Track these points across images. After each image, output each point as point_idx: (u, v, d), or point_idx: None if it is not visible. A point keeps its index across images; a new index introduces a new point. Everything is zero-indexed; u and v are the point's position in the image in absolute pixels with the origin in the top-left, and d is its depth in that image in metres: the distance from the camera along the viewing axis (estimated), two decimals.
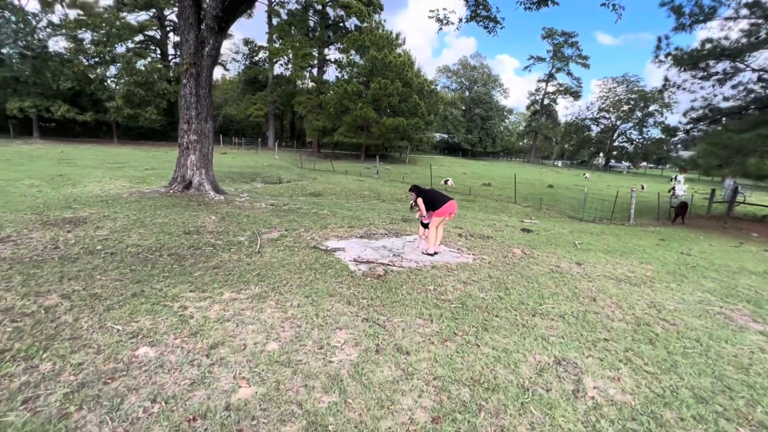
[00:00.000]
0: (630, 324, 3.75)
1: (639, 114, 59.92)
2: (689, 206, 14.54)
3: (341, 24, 41.65)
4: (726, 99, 15.34)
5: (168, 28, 42.94)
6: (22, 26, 31.15)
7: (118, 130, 38.65)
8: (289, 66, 43.08)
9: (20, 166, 15.78)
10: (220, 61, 47.29)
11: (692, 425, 2.29)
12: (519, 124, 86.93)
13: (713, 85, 15.49)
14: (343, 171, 25.34)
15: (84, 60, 34.28)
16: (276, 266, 4.82)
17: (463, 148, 66.05)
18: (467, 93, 70.87)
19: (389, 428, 2.06)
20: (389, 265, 5.17)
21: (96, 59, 35.12)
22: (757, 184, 21.82)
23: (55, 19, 33.51)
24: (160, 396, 2.17)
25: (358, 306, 3.69)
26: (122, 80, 35.32)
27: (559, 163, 73.34)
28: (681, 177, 26.03)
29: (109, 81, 37.28)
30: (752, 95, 14.85)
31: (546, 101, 74.46)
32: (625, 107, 61.10)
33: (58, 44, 35.17)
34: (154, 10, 39.23)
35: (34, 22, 32.22)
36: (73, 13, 33.38)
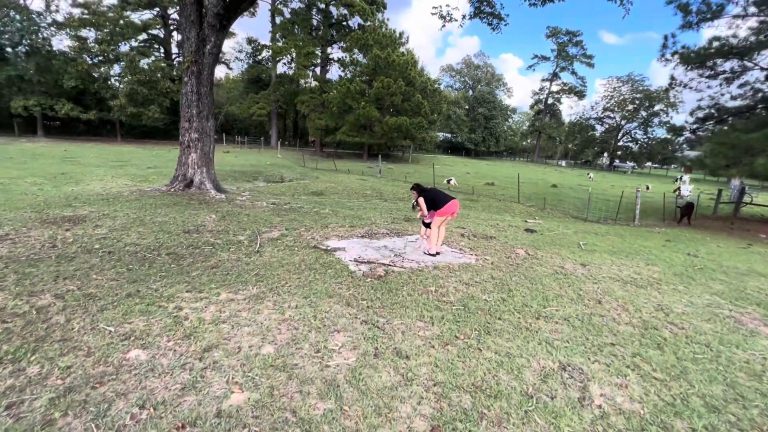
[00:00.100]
0: (637, 328, 3.64)
1: (644, 114, 59.44)
2: (695, 207, 14.36)
3: (344, 23, 41.56)
4: (733, 98, 15.12)
5: (171, 27, 43.01)
6: (27, 25, 31.26)
7: (121, 129, 38.78)
8: (292, 65, 43.03)
9: (23, 164, 15.80)
10: (223, 59, 47.49)
11: None
12: (522, 124, 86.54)
13: (720, 84, 15.27)
14: (345, 170, 25.25)
15: (88, 58, 34.38)
16: (275, 266, 4.74)
17: (467, 148, 65.80)
18: (471, 92, 70.56)
19: None
20: (390, 265, 5.08)
21: (100, 58, 35.24)
22: (763, 184, 21.57)
23: (60, 17, 33.65)
24: (149, 402, 2.09)
25: (358, 308, 3.60)
26: (126, 79, 35.40)
27: (563, 163, 72.92)
28: (686, 177, 25.75)
29: (112, 79, 37.39)
30: (760, 94, 14.62)
31: (550, 100, 74.06)
32: (630, 107, 60.61)
33: (62, 43, 35.39)
34: (157, 9, 39.29)
35: (38, 21, 32.34)
36: (77, 12, 33.50)
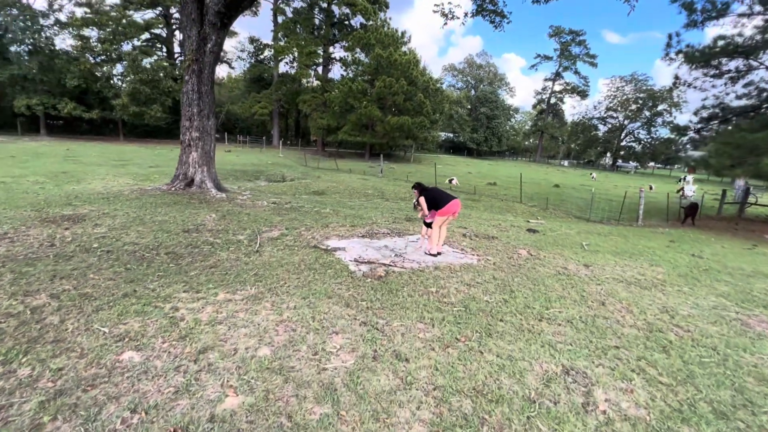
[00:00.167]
0: (642, 330, 3.57)
1: (647, 113, 59.16)
2: (699, 207, 14.24)
3: (347, 22, 41.52)
4: (738, 97, 14.98)
5: (174, 26, 43.04)
6: (30, 24, 31.36)
7: (124, 128, 38.88)
8: (294, 64, 43.01)
9: (26, 162, 15.81)
10: (225, 59, 47.50)
11: None
12: (525, 124, 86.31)
13: (725, 84, 15.14)
14: (347, 169, 25.21)
15: (90, 58, 34.49)
16: (274, 266, 4.69)
17: (469, 147, 65.66)
18: (473, 92, 70.41)
19: None
20: (391, 265, 5.02)
21: (102, 57, 35.34)
22: None
23: (63, 17, 33.75)
24: (141, 405, 2.04)
25: (357, 309, 3.54)
26: (128, 78, 35.48)
27: (566, 163, 72.68)
28: (690, 177, 25.61)
29: (115, 79, 37.48)
30: (765, 94, 14.47)
31: (553, 100, 73.85)
32: (634, 106, 60.35)
33: (65, 42, 35.50)
34: (160, 8, 39.31)
35: (41, 20, 32.43)
36: (80, 11, 33.61)
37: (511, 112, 73.22)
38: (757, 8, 13.23)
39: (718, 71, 14.86)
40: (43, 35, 32.91)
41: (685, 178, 25.76)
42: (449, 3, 10.46)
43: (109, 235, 5.65)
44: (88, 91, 35.33)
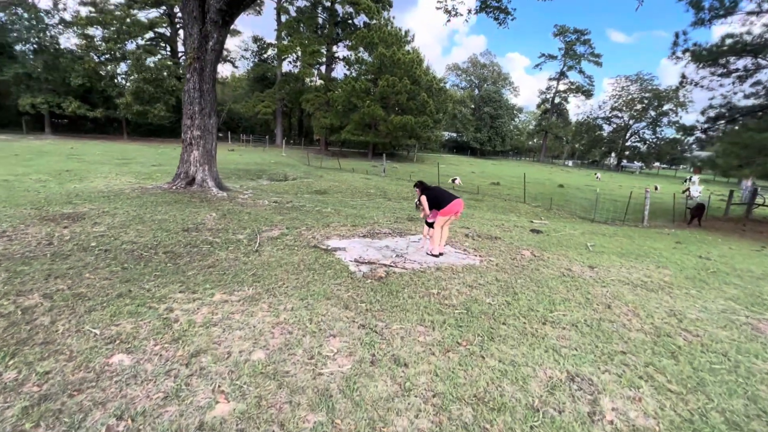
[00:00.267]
0: (649, 335, 3.46)
1: (653, 113, 58.67)
2: (706, 208, 14.05)
3: (350, 21, 41.44)
4: (746, 97, 14.75)
5: (178, 25, 43.06)
6: (35, 23, 31.50)
7: (128, 127, 39.01)
8: (298, 63, 42.99)
9: (29, 161, 15.85)
10: (228, 58, 47.52)
11: None
12: (529, 123, 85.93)
13: (733, 83, 14.91)
14: (350, 169, 25.14)
15: (95, 57, 34.61)
16: (273, 266, 4.62)
17: (472, 147, 65.43)
18: (477, 91, 70.18)
19: None
20: (391, 266, 4.93)
21: (107, 56, 35.45)
22: None
23: (67, 16, 33.89)
24: (128, 412, 1.96)
25: (356, 311, 3.46)
26: (132, 77, 35.58)
27: (570, 163, 72.27)
28: (696, 178, 25.35)
29: (119, 78, 37.59)
30: None
31: (557, 100, 73.42)
32: (639, 106, 59.86)
33: (69, 41, 35.60)
34: (164, 8, 39.35)
35: (46, 19, 32.57)
36: (84, 10, 33.73)
37: (515, 112, 72.95)
38: (766, 6, 13.02)
39: (725, 70, 14.64)
40: (48, 34, 33.05)
41: (690, 179, 25.50)
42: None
43: (108, 233, 5.60)
44: (93, 89, 35.46)
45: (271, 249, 5.35)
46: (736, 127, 14.22)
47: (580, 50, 67.75)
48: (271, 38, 52.13)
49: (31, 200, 7.65)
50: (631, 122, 62.40)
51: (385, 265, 4.95)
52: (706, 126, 16.32)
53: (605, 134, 65.92)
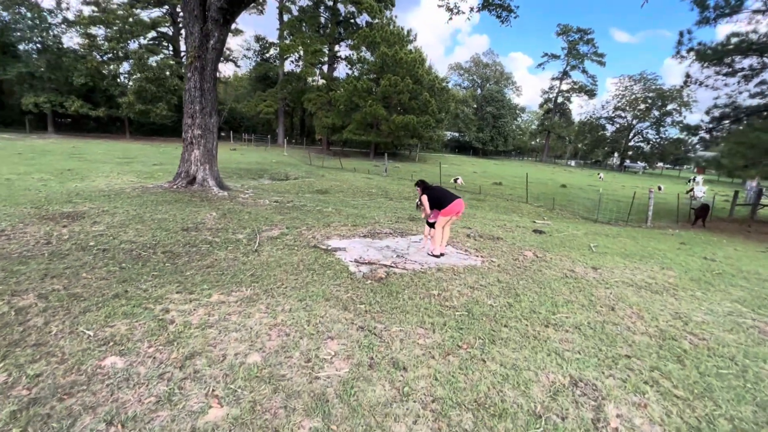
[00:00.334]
0: (654, 338, 3.39)
1: (656, 113, 58.34)
2: (711, 208, 13.92)
3: (352, 20, 41.38)
4: (752, 96, 14.60)
5: (180, 25, 43.10)
6: (38, 22, 31.60)
7: (130, 126, 39.08)
8: (300, 62, 42.98)
9: (31, 160, 15.87)
10: (231, 57, 47.53)
11: None
12: (531, 123, 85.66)
13: (738, 82, 14.77)
14: (351, 168, 25.10)
15: (97, 56, 34.70)
16: (272, 266, 4.57)
17: (474, 147, 65.27)
18: (479, 91, 69.99)
19: None
20: (392, 266, 4.87)
21: (109, 55, 35.54)
22: None
23: (70, 15, 33.98)
24: (118, 417, 1.91)
25: (355, 312, 3.40)
26: (134, 76, 35.64)
27: (573, 163, 72.00)
28: (699, 178, 25.19)
29: (121, 77, 37.67)
30: None
31: (560, 99, 73.17)
32: (642, 106, 59.54)
33: (72, 40, 35.70)
34: (167, 7, 39.43)
35: (49, 18, 32.67)
36: (87, 10, 33.81)
37: (517, 112, 72.69)
38: None
39: (731, 69, 14.50)
40: (51, 33, 33.14)
41: (694, 179, 25.34)
42: None
43: (107, 233, 5.57)
44: (95, 89, 35.53)
45: (271, 249, 5.30)
46: (740, 127, 14.09)
47: (584, 50, 67.49)
48: (273, 37, 52.18)
49: (31, 199, 7.63)
50: (634, 122, 62.09)
51: (385, 265, 4.89)
52: (710, 126, 16.18)
53: (608, 134, 65.61)
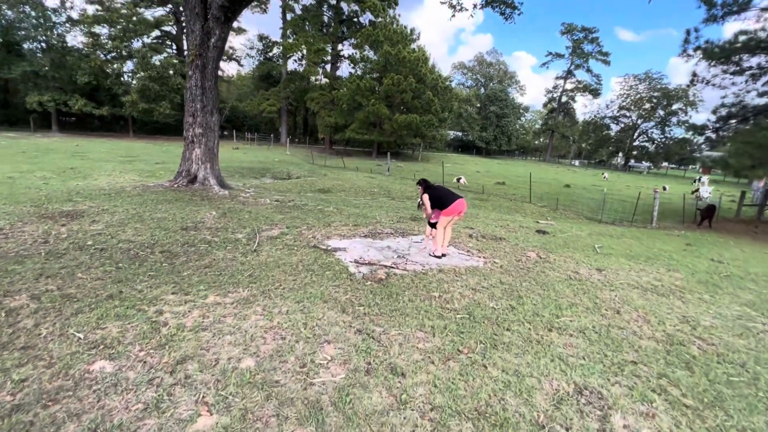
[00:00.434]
0: (661, 343, 3.29)
1: (661, 112, 57.83)
2: (717, 209, 13.74)
3: (355, 19, 41.26)
4: (760, 95, 14.37)
5: (183, 24, 43.20)
6: (42, 21, 31.72)
7: (134, 125, 39.20)
8: (303, 62, 42.92)
9: (35, 158, 15.91)
10: (234, 56, 47.54)
11: None
12: (535, 122, 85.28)
13: (746, 81, 14.54)
14: (354, 168, 25.02)
15: (101, 55, 34.79)
16: (271, 266, 4.50)
17: (478, 146, 65.03)
18: (482, 90, 69.67)
19: None
20: (392, 267, 4.79)
21: (113, 54, 35.63)
22: None
23: (74, 14, 34.10)
24: (103, 425, 1.84)
25: (353, 315, 3.32)
26: (138, 75, 35.72)
27: (576, 163, 71.61)
28: (705, 178, 24.95)
29: (125, 76, 37.79)
30: None
31: (564, 99, 72.75)
32: (647, 105, 59.02)
33: (76, 39, 35.78)
34: (170, 6, 39.47)
35: (53, 17, 32.79)
36: (91, 9, 33.90)
37: (521, 111, 72.36)
38: None
39: (738, 68, 14.28)
40: (55, 32, 33.27)
41: (700, 179, 25.09)
42: None
43: (106, 232, 5.52)
44: (99, 87, 35.65)
45: (270, 249, 5.23)
46: (747, 127, 13.88)
47: (588, 49, 67.04)
48: (276, 36, 52.11)
49: (31, 198, 7.60)
50: (639, 121, 61.60)
51: (385, 266, 4.81)
52: (717, 125, 15.96)
53: (613, 134, 65.15)
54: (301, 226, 6.63)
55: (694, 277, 5.60)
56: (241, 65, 55.30)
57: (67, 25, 34.03)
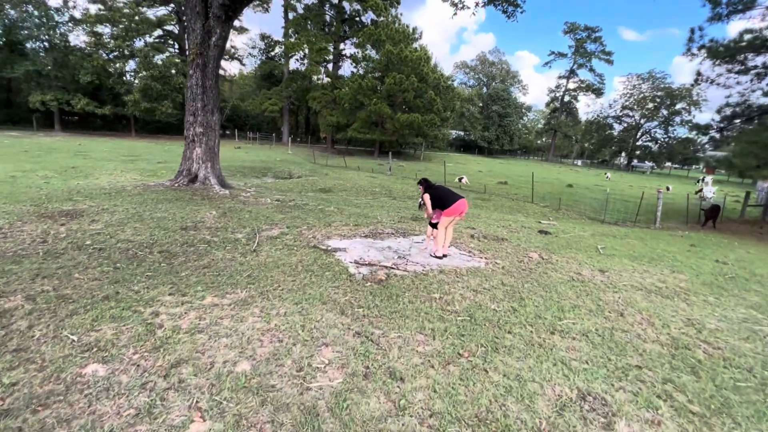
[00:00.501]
0: (666, 346, 3.22)
1: (665, 112, 57.53)
2: (721, 209, 13.62)
3: (357, 18, 41.21)
4: (765, 94, 14.23)
5: (186, 23, 43.27)
6: (45, 20, 31.81)
7: (136, 124, 39.29)
8: (305, 61, 42.86)
9: (37, 157, 15.93)
10: (236, 56, 47.55)
11: None
12: (537, 122, 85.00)
13: (751, 80, 14.39)
14: (355, 167, 24.98)
15: (104, 54, 34.88)
16: (270, 267, 4.45)
17: (480, 146, 64.87)
18: (485, 89, 69.51)
19: None
20: (393, 268, 4.73)
21: (115, 53, 35.73)
22: None
23: (77, 13, 34.17)
24: (93, 431, 1.79)
25: (352, 317, 3.27)
26: (140, 74, 35.79)
27: (579, 162, 71.35)
28: (709, 178, 24.76)
29: (127, 75, 37.87)
30: None
31: (566, 98, 72.44)
32: (650, 105, 58.72)
33: (78, 38, 35.93)
34: (172, 5, 39.51)
35: (56, 17, 32.89)
36: (94, 8, 33.98)
37: (523, 110, 72.16)
38: None
39: (743, 67, 14.14)
40: (58, 32, 33.36)
41: (703, 179, 24.91)
42: None
43: (105, 231, 5.49)
44: (101, 87, 35.75)
45: (270, 249, 5.19)
46: (752, 127, 13.75)
47: (591, 48, 66.73)
48: (278, 36, 52.04)
49: (31, 197, 7.59)
50: (642, 121, 61.29)
51: (386, 267, 4.75)
52: (722, 125, 15.82)
53: (615, 133, 64.86)
54: (301, 226, 6.58)
55: (699, 279, 5.52)
56: (243, 64, 55.34)
57: (69, 24, 34.13)
